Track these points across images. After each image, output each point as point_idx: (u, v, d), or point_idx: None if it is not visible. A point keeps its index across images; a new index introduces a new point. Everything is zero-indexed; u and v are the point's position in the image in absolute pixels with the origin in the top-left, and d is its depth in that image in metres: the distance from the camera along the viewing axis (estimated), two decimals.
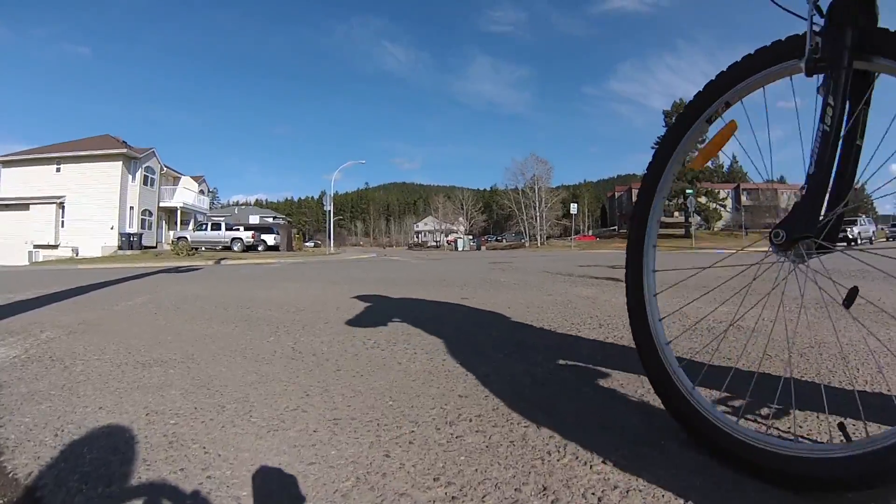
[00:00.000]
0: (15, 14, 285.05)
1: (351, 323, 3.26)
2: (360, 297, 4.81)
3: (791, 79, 1.09)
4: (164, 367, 2.22)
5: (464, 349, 2.40)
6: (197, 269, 12.46)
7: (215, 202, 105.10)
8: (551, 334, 2.77)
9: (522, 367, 2.03)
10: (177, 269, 12.45)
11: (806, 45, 1.00)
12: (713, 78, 1.22)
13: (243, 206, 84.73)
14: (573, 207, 49.54)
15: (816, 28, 1.01)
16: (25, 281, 9.37)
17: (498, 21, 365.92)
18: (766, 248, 1.14)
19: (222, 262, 19.30)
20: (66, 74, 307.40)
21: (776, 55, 1.09)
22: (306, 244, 62.64)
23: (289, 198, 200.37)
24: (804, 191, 1.01)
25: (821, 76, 1.00)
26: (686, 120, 1.27)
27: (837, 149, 1.00)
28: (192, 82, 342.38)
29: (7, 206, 32.27)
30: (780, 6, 1.13)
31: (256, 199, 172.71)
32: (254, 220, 55.93)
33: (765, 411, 1.41)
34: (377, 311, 3.81)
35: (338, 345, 2.55)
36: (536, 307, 3.83)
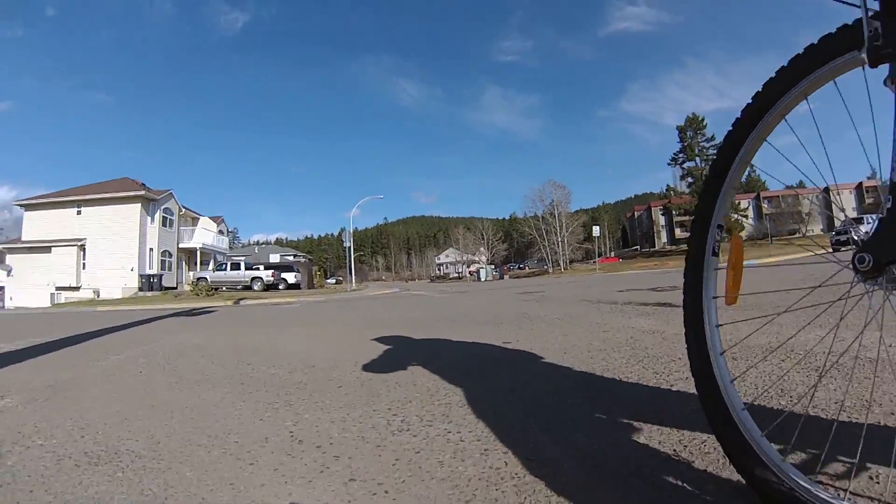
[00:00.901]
0: (42, 65, 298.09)
1: (371, 386, 2.57)
2: (383, 344, 4.15)
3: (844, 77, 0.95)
4: (114, 464, 1.60)
5: (526, 425, 1.72)
6: (212, 312, 11.95)
7: (235, 242, 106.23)
8: (634, 390, 2.08)
9: (628, 466, 1.33)
10: (190, 312, 11.94)
11: (864, 34, 0.84)
12: (777, 71, 1.02)
13: (263, 245, 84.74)
14: (595, 230, 48.43)
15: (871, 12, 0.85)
16: (32, 326, 8.96)
17: (506, 51, 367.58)
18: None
19: (241, 302, 18.85)
20: (89, 121, 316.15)
21: (829, 52, 0.92)
22: (328, 281, 62.69)
23: (308, 236, 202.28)
24: (889, 204, 0.83)
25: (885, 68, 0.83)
26: (737, 134, 1.08)
27: None
28: (209, 126, 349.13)
29: (30, 248, 32.68)
30: None
31: (277, 238, 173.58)
32: (274, 258, 56.14)
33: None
34: (403, 365, 3.12)
35: (353, 426, 1.86)
36: (597, 350, 3.12)
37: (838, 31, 0.90)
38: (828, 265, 1.00)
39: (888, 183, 0.84)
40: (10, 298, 33.28)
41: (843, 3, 0.92)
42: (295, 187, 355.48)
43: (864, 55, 0.85)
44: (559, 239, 69.52)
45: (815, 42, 0.94)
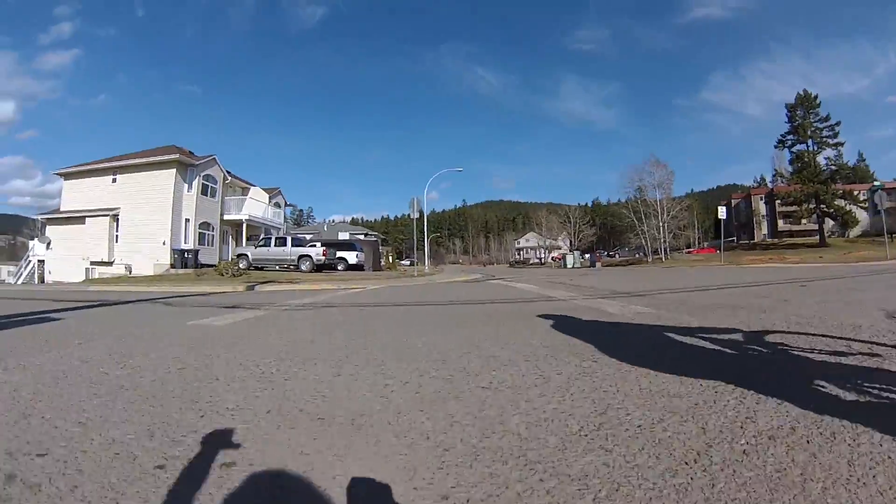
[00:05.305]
0: (134, 61, 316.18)
1: None
2: None
3: None
4: None
5: None
6: (110, 307, 5.65)
7: (310, 220, 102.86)
8: None
9: None
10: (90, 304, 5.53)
11: None
12: None
13: (334, 224, 79.94)
14: (721, 211, 39.28)
15: None
16: None
17: (582, 40, 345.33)
18: None
19: (256, 287, 12.81)
20: (177, 112, 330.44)
21: None
22: (402, 263, 57.09)
23: (385, 216, 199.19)
24: None
25: None
26: None
27: None
28: (288, 114, 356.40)
29: (67, 219, 28.97)
30: None
31: (353, 218, 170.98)
32: (343, 237, 51.02)
33: None
34: None
35: None
36: None
37: None
38: None
39: None
40: (49, 272, 29.79)
41: None
42: (373, 171, 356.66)
43: None
44: (660, 224, 59.59)
45: None
